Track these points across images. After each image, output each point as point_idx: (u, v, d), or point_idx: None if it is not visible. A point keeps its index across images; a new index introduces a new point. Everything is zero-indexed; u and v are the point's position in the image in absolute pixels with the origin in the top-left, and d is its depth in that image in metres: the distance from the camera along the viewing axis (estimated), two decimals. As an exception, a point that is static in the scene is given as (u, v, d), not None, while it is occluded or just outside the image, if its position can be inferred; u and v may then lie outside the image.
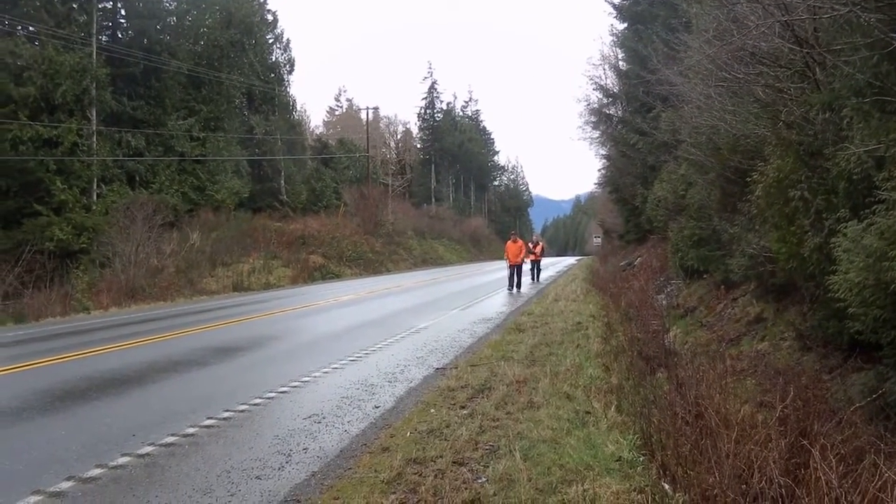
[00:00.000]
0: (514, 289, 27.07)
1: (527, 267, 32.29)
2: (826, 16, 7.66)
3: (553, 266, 52.53)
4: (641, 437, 6.41)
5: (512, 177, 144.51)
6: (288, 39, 59.20)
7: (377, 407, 8.56)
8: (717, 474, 4.85)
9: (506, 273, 29.19)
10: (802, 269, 9.18)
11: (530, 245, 33.67)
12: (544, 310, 18.38)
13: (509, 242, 29.02)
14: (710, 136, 13.99)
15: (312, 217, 53.07)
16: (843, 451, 5.29)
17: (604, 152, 45.03)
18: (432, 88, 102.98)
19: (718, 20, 11.65)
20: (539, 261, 33.77)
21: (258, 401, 8.90)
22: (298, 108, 66.25)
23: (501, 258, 34.53)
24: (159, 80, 40.19)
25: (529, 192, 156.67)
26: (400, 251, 59.66)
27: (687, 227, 18.44)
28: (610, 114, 39.12)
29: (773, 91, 10.19)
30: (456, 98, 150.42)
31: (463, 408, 8.11)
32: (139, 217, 30.98)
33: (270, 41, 56.87)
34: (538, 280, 32.96)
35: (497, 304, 21.64)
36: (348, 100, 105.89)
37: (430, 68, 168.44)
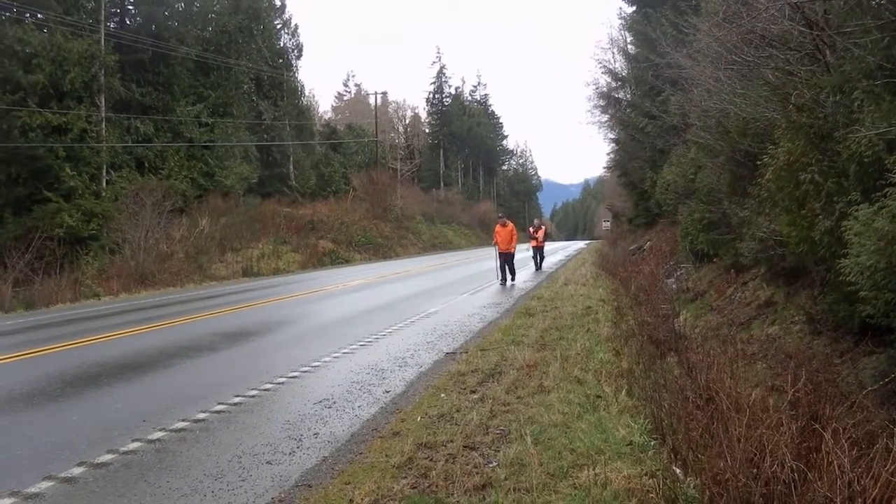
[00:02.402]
0: (506, 282, 23.37)
1: (528, 254, 30.15)
2: (837, -3, 7.62)
3: (562, 250, 52.53)
4: (652, 422, 6.41)
5: (521, 161, 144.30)
6: (296, 24, 59.35)
7: (388, 392, 8.58)
8: (728, 458, 4.84)
9: (493, 264, 24.87)
10: (813, 253, 9.15)
11: (531, 230, 31.48)
12: (554, 294, 18.38)
13: (498, 226, 24.59)
14: (720, 120, 13.92)
15: (321, 202, 53.07)
16: (855, 435, 5.27)
17: (612, 136, 44.83)
18: (441, 73, 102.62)
19: (728, 3, 11.58)
20: (542, 247, 30.72)
21: (269, 386, 8.94)
22: (307, 94, 66.25)
23: (520, 241, 31.96)
24: (168, 67, 40.16)
25: (538, 177, 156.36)
26: (409, 236, 59.64)
27: (696, 211, 18.39)
28: (619, 97, 39.00)
29: (783, 74, 10.13)
30: (464, 82, 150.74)
31: (473, 392, 8.12)
32: (148, 203, 31.03)
33: (279, 26, 56.83)
34: (541, 268, 30.12)
35: (506, 288, 21.63)
36: (357, 85, 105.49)
37: (438, 53, 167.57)
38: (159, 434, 6.91)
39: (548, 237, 33.93)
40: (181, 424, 7.22)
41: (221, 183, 42.30)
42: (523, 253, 30.38)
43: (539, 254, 30.43)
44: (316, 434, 6.86)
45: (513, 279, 23.75)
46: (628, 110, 35.78)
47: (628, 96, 37.62)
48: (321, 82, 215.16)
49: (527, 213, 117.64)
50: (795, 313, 11.20)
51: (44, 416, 7.80)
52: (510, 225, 24.45)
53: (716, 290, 16.61)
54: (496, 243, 24.06)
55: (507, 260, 23.61)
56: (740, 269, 15.74)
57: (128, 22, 41.22)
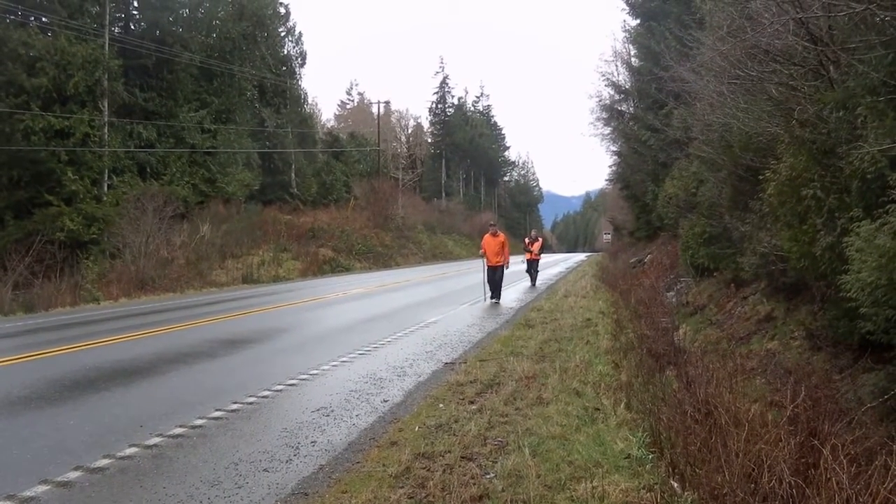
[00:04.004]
0: (493, 298, 20.91)
1: (522, 268, 28.56)
2: (841, 13, 7.62)
3: (563, 262, 52.56)
4: (650, 435, 6.40)
5: (522, 172, 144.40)
6: (300, 32, 59.39)
7: (386, 401, 8.56)
8: (726, 473, 4.83)
9: (479, 277, 22.40)
10: (814, 268, 9.15)
11: (526, 241, 28.81)
12: (554, 306, 18.38)
13: (487, 236, 21.78)
14: (723, 134, 13.94)
15: (322, 210, 53.23)
16: (853, 452, 5.26)
17: (615, 149, 44.92)
18: (444, 83, 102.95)
19: (732, 17, 11.60)
20: (537, 260, 28.31)
21: (267, 393, 8.92)
22: (310, 102, 66.29)
23: (513, 254, 30.78)
24: (171, 72, 40.18)
25: (540, 188, 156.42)
26: (409, 245, 59.69)
27: (698, 225, 18.39)
28: (622, 110, 39.09)
29: (787, 89, 10.14)
30: (467, 93, 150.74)
31: (472, 403, 8.11)
32: (150, 208, 31.07)
33: (282, 34, 56.98)
34: (535, 284, 27.60)
35: (507, 299, 21.58)
36: (360, 93, 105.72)
37: (441, 63, 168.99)
38: (156, 440, 6.89)
39: (545, 249, 32.95)
40: (178, 430, 7.21)
41: (223, 189, 42.31)
42: (518, 266, 29.96)
43: (534, 268, 28.21)
44: (313, 442, 6.84)
45: (497, 298, 20.95)
46: (631, 123, 35.85)
47: (631, 109, 37.74)
48: (324, 90, 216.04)
49: (528, 224, 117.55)
50: (795, 329, 11.19)
51: (41, 420, 7.78)
52: (501, 235, 21.83)
53: (716, 305, 16.60)
54: (483, 254, 21.52)
55: (494, 275, 21.02)
56: (741, 284, 15.73)
57: (132, 27, 41.28)
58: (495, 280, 20.94)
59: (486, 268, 21.33)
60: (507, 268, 21.50)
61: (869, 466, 4.84)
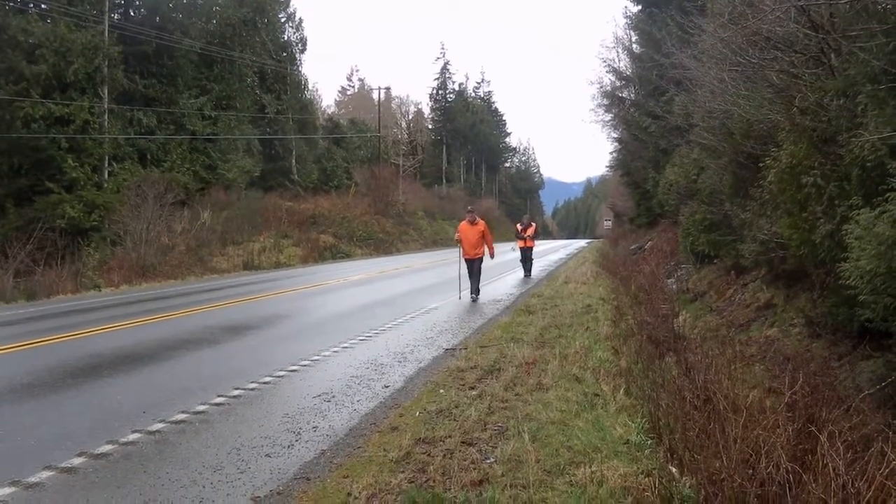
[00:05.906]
0: (472, 294, 17.86)
1: (515, 255, 26.38)
2: (843, 1, 7.62)
3: (563, 249, 52.51)
4: (649, 421, 6.43)
5: (523, 158, 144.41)
6: (300, 18, 59.21)
7: (387, 386, 8.59)
8: (724, 459, 4.87)
9: (456, 271, 19.16)
10: (813, 256, 9.18)
11: (518, 227, 25.79)
12: (554, 292, 18.37)
13: (464, 223, 18.24)
14: (724, 121, 13.93)
15: (323, 196, 53.16)
16: (850, 439, 5.30)
17: (616, 135, 44.87)
18: (445, 69, 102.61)
19: (733, 4, 11.58)
20: (531, 248, 25.19)
21: (268, 379, 8.95)
22: (310, 88, 66.08)
23: (511, 240, 29.94)
24: (171, 59, 40.15)
25: (541, 174, 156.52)
26: (410, 231, 59.64)
27: (698, 212, 18.40)
28: (623, 97, 38.98)
29: (788, 76, 10.14)
30: (468, 79, 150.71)
31: (472, 388, 8.14)
32: (150, 195, 31.05)
33: (283, 20, 56.79)
34: (530, 275, 24.84)
35: (507, 285, 21.61)
36: (360, 80, 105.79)
37: (442, 49, 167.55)
38: (159, 425, 6.93)
39: (540, 235, 32.13)
40: (181, 416, 7.25)
41: (224, 176, 42.31)
42: (509, 255, 29.74)
43: (528, 256, 25.15)
44: (315, 427, 6.88)
45: (476, 295, 17.91)
46: (632, 110, 35.77)
47: (632, 96, 37.64)
48: (325, 77, 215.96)
49: (529, 210, 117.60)
50: (795, 316, 11.23)
51: (44, 407, 7.82)
52: (481, 223, 18.25)
53: (716, 292, 16.63)
54: (458, 241, 18.36)
55: (472, 268, 17.96)
56: (741, 271, 15.76)
57: (132, 13, 41.24)
58: (473, 274, 17.94)
59: (462, 260, 18.51)
60: (493, 257, 18.88)
61: (865, 453, 4.88)
